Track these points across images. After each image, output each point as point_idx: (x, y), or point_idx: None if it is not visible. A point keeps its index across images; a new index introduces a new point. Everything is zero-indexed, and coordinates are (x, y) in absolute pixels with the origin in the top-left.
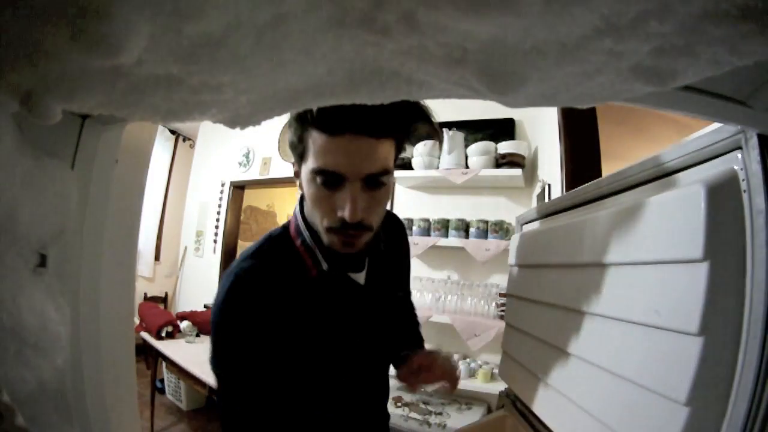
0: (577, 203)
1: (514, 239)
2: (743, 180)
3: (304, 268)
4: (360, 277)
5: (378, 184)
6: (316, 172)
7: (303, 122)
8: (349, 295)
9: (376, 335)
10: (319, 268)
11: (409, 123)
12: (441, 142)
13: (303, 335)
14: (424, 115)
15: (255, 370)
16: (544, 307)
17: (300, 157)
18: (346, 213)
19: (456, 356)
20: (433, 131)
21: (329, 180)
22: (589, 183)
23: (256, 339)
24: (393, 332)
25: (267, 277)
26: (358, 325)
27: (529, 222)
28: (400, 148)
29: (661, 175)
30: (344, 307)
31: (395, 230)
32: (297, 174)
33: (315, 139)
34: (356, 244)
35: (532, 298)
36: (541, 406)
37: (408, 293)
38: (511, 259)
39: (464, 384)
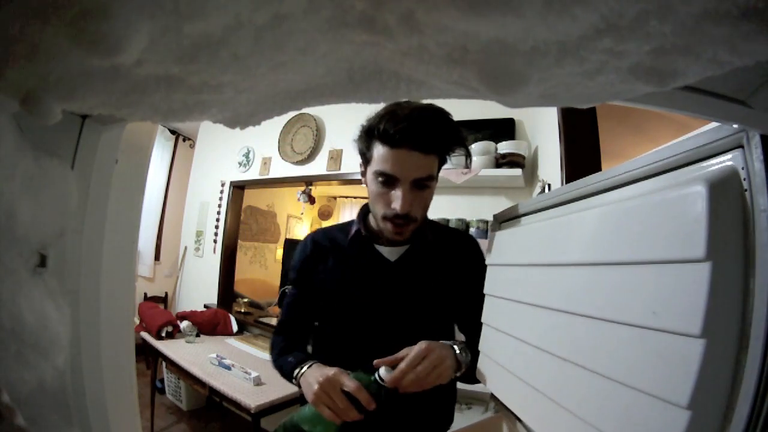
0: (565, 200)
1: (493, 237)
2: (744, 179)
3: (348, 233)
4: (389, 253)
5: (422, 186)
6: (378, 173)
7: (370, 135)
8: (374, 265)
9: (394, 311)
10: (353, 234)
11: (450, 145)
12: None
13: (328, 282)
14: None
15: (295, 279)
16: (529, 307)
17: (366, 161)
18: (397, 205)
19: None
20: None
21: (386, 180)
22: (578, 180)
23: (303, 263)
24: (417, 318)
25: (326, 234)
26: (377, 294)
27: (509, 220)
28: (442, 161)
29: (657, 172)
30: (366, 273)
31: (463, 246)
32: (363, 174)
33: (379, 149)
34: (404, 232)
35: (515, 298)
36: (526, 410)
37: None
38: (489, 258)
39: (465, 384)
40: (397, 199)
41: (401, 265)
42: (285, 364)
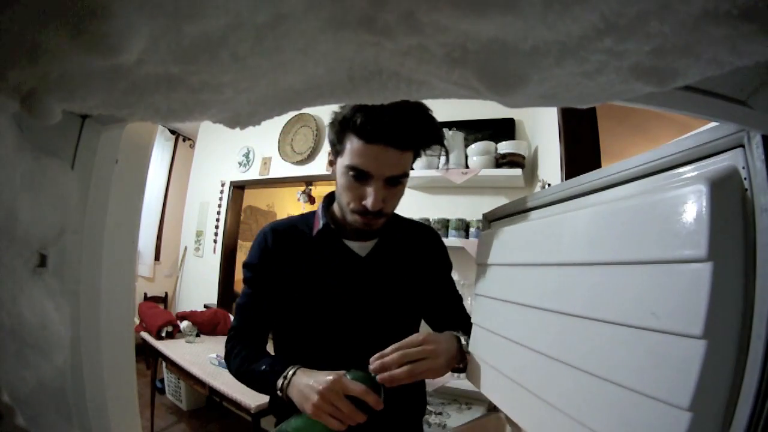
0: (559, 199)
1: (483, 236)
2: (745, 178)
3: (312, 227)
4: (359, 249)
5: (396, 183)
6: (350, 167)
7: (344, 126)
8: (345, 260)
9: (368, 307)
10: (321, 228)
11: (427, 142)
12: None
13: (294, 276)
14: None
15: (251, 278)
16: (522, 308)
17: (337, 152)
18: (368, 202)
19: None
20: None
21: (359, 175)
22: (573, 178)
23: (263, 260)
24: (390, 314)
25: (286, 227)
26: (350, 291)
27: (500, 219)
28: (416, 157)
29: (655, 170)
30: (337, 268)
31: (427, 239)
32: (332, 163)
33: (353, 142)
34: (374, 225)
35: (509, 299)
36: (521, 414)
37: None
38: (480, 257)
39: (465, 384)
40: (370, 195)
41: (372, 261)
42: (257, 373)
